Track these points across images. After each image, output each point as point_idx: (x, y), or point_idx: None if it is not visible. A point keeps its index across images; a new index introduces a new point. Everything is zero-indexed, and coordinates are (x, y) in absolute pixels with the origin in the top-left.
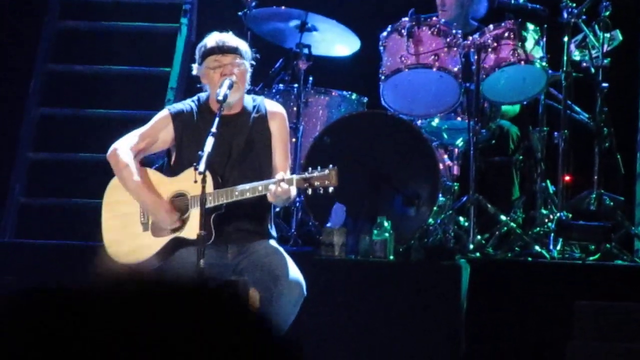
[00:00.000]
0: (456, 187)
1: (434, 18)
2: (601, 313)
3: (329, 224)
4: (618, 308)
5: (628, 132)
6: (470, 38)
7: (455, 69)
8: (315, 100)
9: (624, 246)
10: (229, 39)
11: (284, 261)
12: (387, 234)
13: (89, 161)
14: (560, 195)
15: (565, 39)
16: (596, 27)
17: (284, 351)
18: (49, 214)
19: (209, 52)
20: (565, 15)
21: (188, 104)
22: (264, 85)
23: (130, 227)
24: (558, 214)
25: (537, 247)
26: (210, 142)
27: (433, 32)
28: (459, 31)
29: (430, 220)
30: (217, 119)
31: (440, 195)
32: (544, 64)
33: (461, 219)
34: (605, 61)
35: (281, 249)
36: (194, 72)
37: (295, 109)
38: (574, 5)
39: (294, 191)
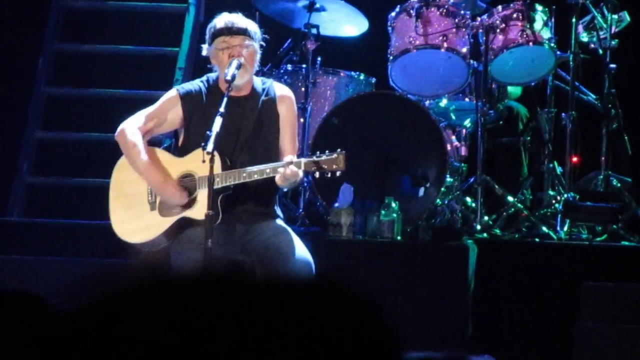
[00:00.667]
0: (464, 168)
1: None
2: (608, 294)
3: (336, 205)
4: (625, 289)
5: (635, 113)
6: (479, 19)
7: (464, 50)
8: (324, 81)
9: (630, 227)
10: (238, 20)
11: (291, 241)
12: (394, 215)
13: (97, 141)
14: (568, 177)
15: (573, 20)
16: (604, 8)
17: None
18: (56, 193)
19: (218, 33)
20: None
21: (197, 85)
22: (272, 66)
23: (138, 207)
24: (565, 195)
25: (544, 228)
26: (218, 122)
27: (442, 12)
28: (468, 12)
29: (438, 200)
30: (225, 99)
31: (447, 176)
32: (552, 45)
33: (468, 199)
34: (613, 42)
35: (289, 229)
36: (204, 53)
37: (303, 89)
38: None
39: (301, 174)
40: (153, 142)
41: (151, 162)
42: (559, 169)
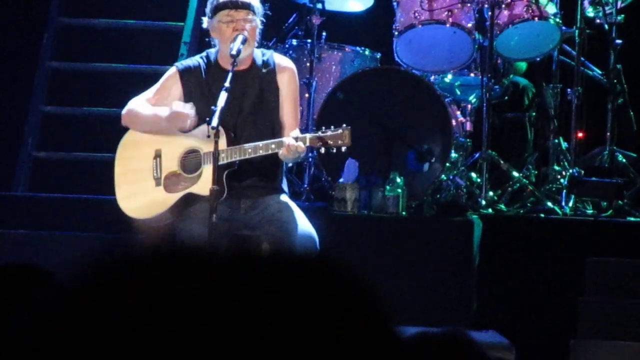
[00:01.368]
0: (469, 143)
1: None
2: (612, 269)
3: (341, 180)
4: (630, 265)
5: None
6: None
7: (469, 25)
8: (329, 56)
9: (636, 203)
10: None
11: (296, 215)
12: (399, 190)
13: (103, 115)
14: (573, 152)
15: None
16: None
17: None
18: (61, 168)
19: (222, 6)
20: None
21: (196, 60)
22: (277, 41)
23: (143, 182)
24: (570, 171)
25: (549, 204)
26: (223, 97)
27: None
28: None
29: (443, 176)
30: (230, 74)
31: (452, 151)
32: (557, 20)
33: (473, 175)
34: (619, 18)
35: (293, 204)
36: (204, 25)
37: (308, 64)
38: None
39: (305, 149)
40: None
41: (156, 109)
42: (564, 144)
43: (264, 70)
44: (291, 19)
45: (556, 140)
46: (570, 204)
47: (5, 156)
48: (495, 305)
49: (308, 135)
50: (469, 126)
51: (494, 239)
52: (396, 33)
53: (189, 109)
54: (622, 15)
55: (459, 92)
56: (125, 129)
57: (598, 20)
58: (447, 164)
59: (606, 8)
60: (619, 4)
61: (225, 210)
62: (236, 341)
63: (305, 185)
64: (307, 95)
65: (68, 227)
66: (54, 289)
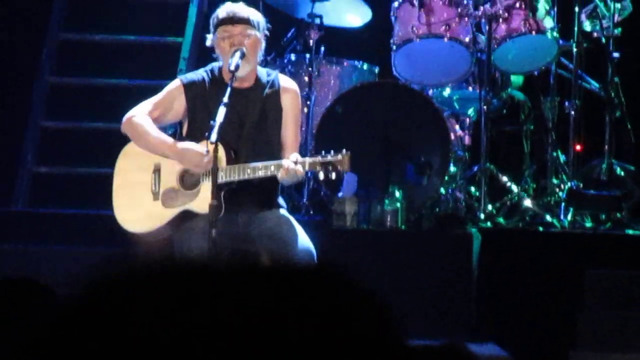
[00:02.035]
0: (467, 157)
1: None
2: (612, 282)
3: (340, 193)
4: (628, 277)
5: (639, 101)
6: (482, 8)
7: (467, 39)
8: (327, 70)
9: (634, 215)
10: (240, 9)
11: (294, 230)
12: (398, 203)
13: (102, 130)
14: (571, 165)
15: (576, 9)
16: None
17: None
18: (61, 183)
19: (221, 23)
20: None
21: (200, 74)
22: (276, 55)
23: (141, 196)
24: (569, 183)
25: (548, 217)
26: (222, 112)
27: (444, 1)
28: (471, 1)
29: (442, 189)
30: (228, 89)
31: (451, 164)
32: (555, 34)
33: (472, 188)
34: (616, 31)
35: (291, 218)
36: (208, 43)
37: (307, 78)
38: None
39: (303, 173)
40: None
41: (163, 135)
42: (562, 157)
43: (268, 90)
44: (290, 34)
45: (554, 153)
46: (569, 216)
47: (4, 171)
48: (495, 318)
49: (308, 160)
50: (467, 139)
51: (493, 252)
52: (394, 47)
53: (200, 160)
54: (619, 29)
55: (457, 106)
56: (125, 141)
57: (595, 34)
58: (446, 177)
59: (603, 21)
60: (616, 18)
61: (224, 224)
62: (237, 354)
63: (305, 199)
64: (306, 109)
65: (67, 241)
66: (53, 303)
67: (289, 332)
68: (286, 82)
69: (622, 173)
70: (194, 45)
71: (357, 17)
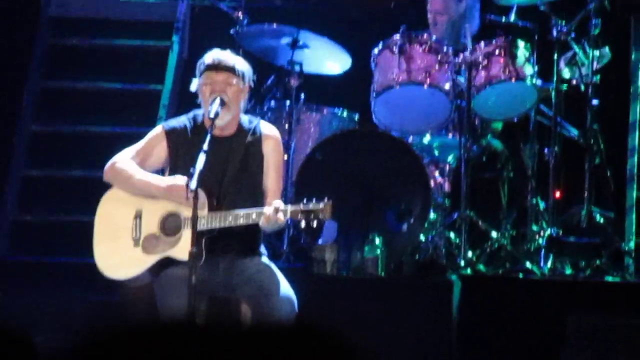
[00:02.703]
0: (447, 203)
1: (426, 35)
2: (593, 329)
3: (320, 241)
4: (610, 324)
5: (618, 149)
6: (462, 55)
7: (447, 86)
8: (307, 117)
9: (614, 262)
10: (227, 57)
11: (275, 277)
12: (378, 250)
13: (82, 178)
14: (551, 212)
15: (555, 57)
16: (586, 44)
17: None
18: (41, 231)
19: (206, 69)
20: (555, 32)
21: (182, 121)
22: (256, 102)
23: (122, 242)
24: (549, 230)
25: (528, 264)
26: (201, 159)
27: (424, 49)
28: (451, 48)
29: (422, 236)
30: (208, 137)
31: (431, 211)
32: (534, 81)
33: (452, 235)
34: (595, 78)
35: (272, 265)
36: (192, 88)
37: (287, 125)
38: (564, 22)
39: (284, 221)
40: None
41: (148, 175)
42: (542, 204)
43: (249, 138)
44: (269, 81)
45: (534, 200)
46: (549, 263)
47: None
48: None
49: (290, 208)
50: (447, 186)
51: (473, 299)
52: (374, 94)
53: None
54: (598, 76)
55: (437, 153)
56: (105, 188)
57: (574, 81)
58: (426, 224)
59: (582, 69)
60: (595, 65)
61: (204, 272)
62: None
63: (285, 246)
64: (286, 156)
65: (47, 289)
66: (30, 349)
67: None
68: (268, 129)
69: (602, 220)
70: (173, 93)
71: (336, 64)
